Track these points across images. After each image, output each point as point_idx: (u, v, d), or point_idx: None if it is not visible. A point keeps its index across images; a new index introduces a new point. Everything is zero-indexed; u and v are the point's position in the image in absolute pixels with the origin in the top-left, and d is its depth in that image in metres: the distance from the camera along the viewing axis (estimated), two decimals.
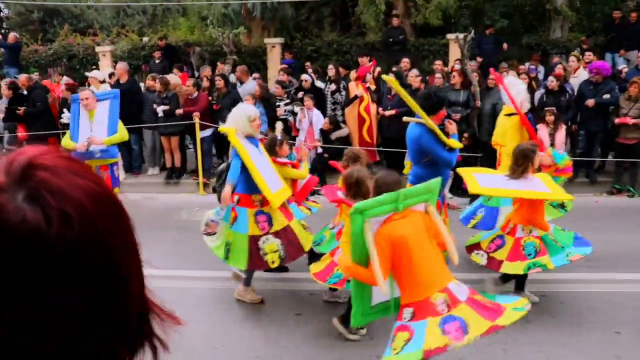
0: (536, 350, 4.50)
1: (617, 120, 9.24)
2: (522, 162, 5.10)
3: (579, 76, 10.59)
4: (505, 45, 13.10)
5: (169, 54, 13.60)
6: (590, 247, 5.21)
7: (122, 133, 7.09)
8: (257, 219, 5.17)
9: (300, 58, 13.79)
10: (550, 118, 8.65)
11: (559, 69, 10.51)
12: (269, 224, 5.18)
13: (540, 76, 12.05)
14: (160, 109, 10.06)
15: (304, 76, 11.01)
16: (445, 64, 12.16)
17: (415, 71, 10.09)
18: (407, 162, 5.78)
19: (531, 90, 10.31)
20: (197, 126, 9.84)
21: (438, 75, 10.31)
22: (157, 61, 13.13)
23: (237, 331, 4.91)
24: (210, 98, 10.43)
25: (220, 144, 10.69)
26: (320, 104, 10.43)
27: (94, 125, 6.94)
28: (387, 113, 9.69)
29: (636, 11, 12.94)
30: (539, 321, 4.91)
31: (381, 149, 10.24)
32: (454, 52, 12.41)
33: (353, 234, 3.59)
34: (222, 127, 5.39)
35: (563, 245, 5.17)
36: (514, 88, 6.54)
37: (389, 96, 9.80)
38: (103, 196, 0.74)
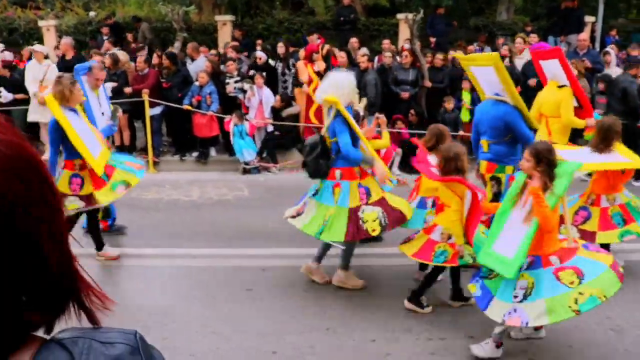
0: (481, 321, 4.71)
1: None
2: (612, 137, 5.25)
3: (524, 57, 10.92)
4: (455, 23, 13.39)
5: (117, 31, 13.29)
6: None
7: None
8: (359, 191, 5.09)
9: (252, 36, 13.71)
10: None
11: (504, 50, 10.82)
12: (367, 196, 5.09)
13: None
14: (108, 86, 9.86)
15: (259, 53, 10.96)
16: (395, 43, 12.33)
17: (363, 50, 10.20)
18: (484, 141, 5.80)
19: None
20: (147, 104, 9.70)
21: (387, 54, 10.46)
22: (105, 37, 12.83)
23: (188, 308, 4.96)
24: (160, 76, 10.29)
25: (170, 121, 10.58)
26: (272, 83, 10.44)
27: (101, 100, 6.57)
28: None
29: None
30: None
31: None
32: (404, 32, 12.57)
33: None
34: (328, 97, 4.98)
35: None
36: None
37: None
38: (7, 156, 0.71)
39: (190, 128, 10.04)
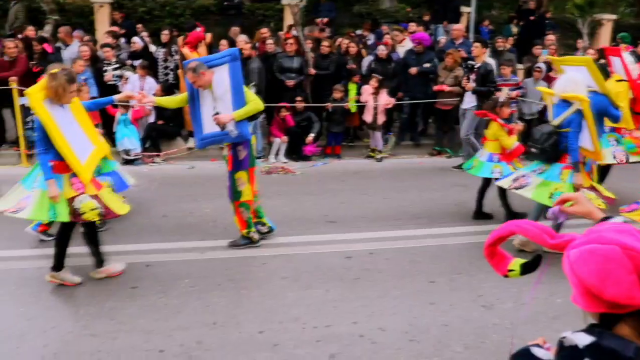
0: (363, 305, 4.86)
1: (435, 87, 10.05)
2: None
3: (405, 46, 11.30)
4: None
5: None
6: None
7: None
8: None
9: (132, 19, 13.13)
10: (374, 84, 9.57)
11: (387, 38, 11.13)
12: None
13: (370, 43, 12.65)
14: None
15: (135, 39, 10.52)
16: (280, 29, 12.31)
17: (242, 37, 10.09)
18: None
19: (361, 57, 10.83)
20: (15, 92, 9.03)
21: (270, 41, 10.37)
22: None
23: (68, 310, 4.72)
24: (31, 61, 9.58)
25: None
26: (152, 69, 10.06)
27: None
28: None
29: None
30: (364, 277, 5.32)
31: None
32: (289, 18, 12.58)
33: None
34: (579, 95, 5.48)
35: None
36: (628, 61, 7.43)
37: None
38: None
39: None
